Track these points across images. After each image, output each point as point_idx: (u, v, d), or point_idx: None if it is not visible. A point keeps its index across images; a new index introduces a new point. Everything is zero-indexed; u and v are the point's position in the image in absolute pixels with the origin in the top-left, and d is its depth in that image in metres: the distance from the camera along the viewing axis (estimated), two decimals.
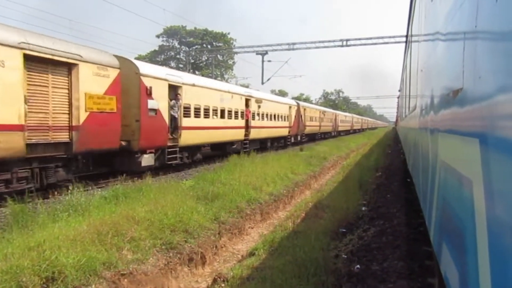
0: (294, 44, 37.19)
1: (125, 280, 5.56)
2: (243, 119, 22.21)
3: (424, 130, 3.33)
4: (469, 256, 1.27)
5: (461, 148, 1.49)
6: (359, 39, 35.60)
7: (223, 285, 5.90)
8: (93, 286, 5.07)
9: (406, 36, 12.28)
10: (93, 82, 11.04)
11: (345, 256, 6.28)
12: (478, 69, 1.23)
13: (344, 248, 6.79)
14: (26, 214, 6.94)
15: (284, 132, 30.39)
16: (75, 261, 5.13)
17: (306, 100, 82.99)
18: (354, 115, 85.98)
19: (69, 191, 8.39)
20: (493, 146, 1.04)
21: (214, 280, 6.19)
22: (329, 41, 36.34)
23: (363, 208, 9.77)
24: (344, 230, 7.94)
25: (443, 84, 2.11)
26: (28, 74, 9.12)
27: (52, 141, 9.86)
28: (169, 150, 14.76)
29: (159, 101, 13.92)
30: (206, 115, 17.78)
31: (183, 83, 15.85)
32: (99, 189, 10.44)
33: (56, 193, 9.78)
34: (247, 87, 32.31)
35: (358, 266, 5.72)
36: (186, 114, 16.05)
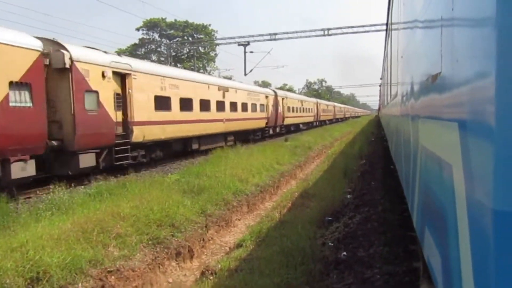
0: (275, 34, 37.11)
1: (112, 277, 5.52)
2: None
3: (406, 116, 3.37)
4: (450, 240, 1.29)
5: (441, 133, 1.51)
6: (340, 28, 35.76)
7: (211, 277, 5.91)
8: (80, 284, 5.01)
9: (387, 24, 12.36)
10: None
11: (332, 244, 6.36)
12: (456, 53, 1.23)
13: (330, 236, 6.87)
14: (7, 215, 6.80)
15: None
16: (60, 260, 5.07)
17: (290, 90, 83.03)
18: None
19: (51, 189, 8.25)
20: (472, 130, 1.05)
21: (202, 273, 6.19)
22: (311, 31, 36.41)
23: (348, 196, 9.88)
24: (330, 218, 8.02)
25: (422, 69, 2.13)
26: None
27: None
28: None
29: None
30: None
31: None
32: (82, 187, 10.28)
33: (37, 192, 9.59)
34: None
35: (344, 253, 5.79)
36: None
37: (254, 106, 26.74)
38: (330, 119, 66.11)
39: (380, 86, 42.60)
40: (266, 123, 29.35)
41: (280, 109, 32.88)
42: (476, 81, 1.01)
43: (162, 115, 15.51)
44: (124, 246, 6.18)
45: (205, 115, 19.39)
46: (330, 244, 6.39)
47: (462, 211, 1.09)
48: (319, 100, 58.16)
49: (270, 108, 30.29)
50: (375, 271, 4.98)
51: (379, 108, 56.25)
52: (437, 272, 1.55)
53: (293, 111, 37.68)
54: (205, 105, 19.50)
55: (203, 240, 7.97)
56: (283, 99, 34.09)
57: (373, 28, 33.84)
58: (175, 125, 16.39)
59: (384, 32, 17.49)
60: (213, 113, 20.36)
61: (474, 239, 1.01)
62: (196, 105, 18.55)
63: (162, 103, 15.57)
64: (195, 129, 18.29)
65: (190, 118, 17.82)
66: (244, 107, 24.94)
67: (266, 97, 29.80)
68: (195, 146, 18.67)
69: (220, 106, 21.33)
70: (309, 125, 46.21)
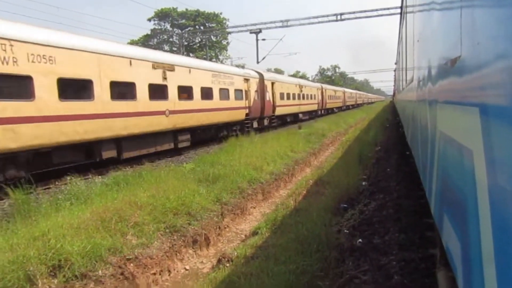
0: (288, 21, 36.63)
1: (131, 264, 5.63)
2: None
3: (422, 102, 3.30)
4: (471, 227, 1.27)
5: (460, 118, 1.47)
6: (353, 12, 35.03)
7: (227, 265, 5.98)
8: (100, 271, 5.13)
9: (401, 7, 12.08)
10: None
11: (347, 231, 6.35)
12: (477, 35, 1.20)
13: (346, 223, 6.86)
14: (28, 205, 6.97)
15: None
16: (81, 248, 5.18)
17: (303, 77, 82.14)
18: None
19: (69, 180, 8.41)
20: (494, 114, 1.02)
21: (219, 261, 6.27)
22: (323, 16, 35.76)
23: (363, 183, 9.82)
24: (345, 205, 8.00)
25: (440, 53, 2.07)
26: None
27: None
28: None
29: None
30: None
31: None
32: (100, 177, 10.45)
33: (56, 183, 9.78)
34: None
35: (360, 240, 5.78)
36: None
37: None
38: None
39: (394, 71, 41.89)
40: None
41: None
42: (498, 64, 0.98)
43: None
44: (142, 235, 6.29)
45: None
46: (345, 231, 6.39)
47: (484, 198, 1.07)
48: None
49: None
50: (390, 257, 4.97)
51: (393, 94, 55.36)
52: (457, 259, 1.53)
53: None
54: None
55: (219, 228, 8.05)
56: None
57: (386, 11, 33.11)
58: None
59: (398, 16, 17.12)
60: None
61: (496, 226, 0.99)
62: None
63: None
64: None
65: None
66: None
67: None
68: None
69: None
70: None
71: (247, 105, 22.60)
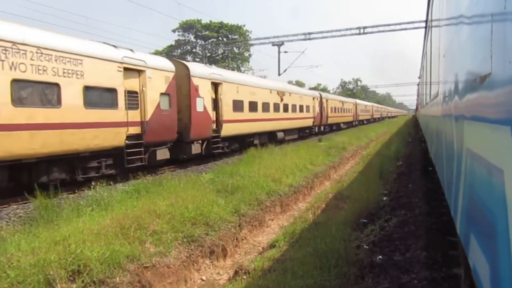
0: (310, 34, 36.72)
1: (148, 272, 5.66)
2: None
3: (448, 117, 3.23)
4: (501, 249, 1.22)
5: (489, 136, 1.43)
6: (377, 26, 34.84)
7: (244, 277, 5.93)
8: (117, 278, 5.17)
9: (426, 21, 11.95)
10: None
11: (367, 247, 6.22)
12: (508, 53, 1.17)
13: (365, 239, 6.72)
14: (51, 209, 7.12)
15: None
16: (100, 254, 5.25)
17: (324, 90, 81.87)
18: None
19: (92, 186, 8.56)
20: None
21: (236, 272, 6.23)
22: (346, 29, 35.69)
23: (384, 198, 9.64)
24: (365, 220, 7.86)
25: (468, 69, 2.03)
26: None
27: None
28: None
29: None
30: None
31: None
32: (121, 184, 10.60)
33: (76, 191, 9.92)
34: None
35: (380, 256, 5.66)
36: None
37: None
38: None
39: (418, 85, 41.29)
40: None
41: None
42: None
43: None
44: (159, 243, 6.33)
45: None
46: (365, 247, 6.26)
47: None
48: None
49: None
50: (412, 276, 4.84)
51: (416, 108, 54.53)
52: (485, 281, 1.48)
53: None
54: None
55: (237, 239, 8.02)
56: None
57: (410, 25, 32.80)
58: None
59: (422, 30, 16.93)
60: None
61: None
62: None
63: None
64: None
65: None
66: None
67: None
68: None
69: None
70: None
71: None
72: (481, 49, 1.59)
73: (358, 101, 59.44)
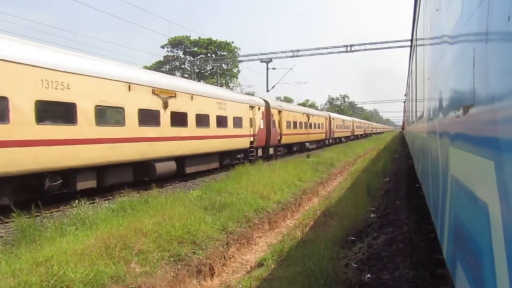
0: (298, 51, 37.22)
1: None
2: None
3: (433, 139, 3.27)
4: (487, 281, 1.22)
5: (474, 167, 1.43)
6: (363, 44, 35.55)
7: None
8: None
9: (411, 41, 12.21)
10: None
11: (355, 265, 6.20)
12: (491, 88, 1.18)
13: (354, 257, 6.70)
14: (34, 229, 6.95)
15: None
16: (83, 275, 5.11)
17: (312, 106, 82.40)
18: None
19: (75, 204, 8.40)
20: (510, 171, 0.99)
21: None
22: (333, 47, 36.31)
23: (372, 215, 9.67)
24: (353, 238, 7.85)
25: (452, 97, 2.05)
26: None
27: None
28: None
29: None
30: None
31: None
32: (106, 202, 10.44)
33: (61, 207, 9.75)
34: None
35: (368, 275, 5.63)
36: None
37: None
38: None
39: (404, 102, 41.92)
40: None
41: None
42: None
43: None
44: (145, 263, 6.20)
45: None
46: (353, 265, 6.24)
47: (501, 257, 1.03)
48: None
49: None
50: None
51: (403, 125, 55.19)
52: None
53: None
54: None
55: (224, 257, 7.92)
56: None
57: (396, 44, 33.54)
58: None
59: (408, 48, 17.28)
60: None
61: None
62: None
63: None
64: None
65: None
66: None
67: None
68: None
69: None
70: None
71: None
72: (465, 80, 1.62)
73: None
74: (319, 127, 38.48)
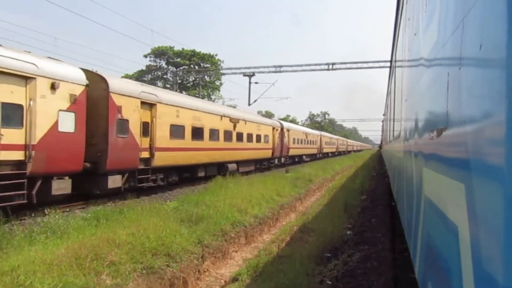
0: (281, 66, 37.63)
1: None
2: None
3: (409, 160, 3.34)
4: None
5: (446, 189, 1.47)
6: (345, 63, 36.31)
7: None
8: None
9: (391, 62, 12.54)
10: None
11: (330, 282, 6.20)
12: (463, 112, 1.22)
13: (329, 274, 6.71)
14: (1, 236, 6.70)
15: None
16: (51, 286, 4.95)
17: (293, 121, 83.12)
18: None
19: (47, 212, 8.16)
20: (480, 194, 1.01)
21: None
22: (315, 64, 36.87)
23: (348, 232, 9.73)
24: (329, 254, 7.87)
25: (427, 119, 2.11)
26: None
27: None
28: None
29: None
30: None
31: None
32: (79, 210, 10.18)
33: (32, 214, 9.45)
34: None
35: None
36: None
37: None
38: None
39: (383, 121, 42.79)
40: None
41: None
42: (483, 144, 0.99)
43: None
44: (117, 275, 6.05)
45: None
46: (328, 282, 6.23)
47: (469, 278, 1.05)
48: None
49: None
50: None
51: (381, 143, 56.25)
52: None
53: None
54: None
55: (199, 271, 7.80)
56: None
57: (377, 64, 34.35)
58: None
59: (388, 69, 17.71)
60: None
61: None
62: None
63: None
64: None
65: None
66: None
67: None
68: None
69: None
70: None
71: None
72: (439, 103, 1.67)
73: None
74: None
